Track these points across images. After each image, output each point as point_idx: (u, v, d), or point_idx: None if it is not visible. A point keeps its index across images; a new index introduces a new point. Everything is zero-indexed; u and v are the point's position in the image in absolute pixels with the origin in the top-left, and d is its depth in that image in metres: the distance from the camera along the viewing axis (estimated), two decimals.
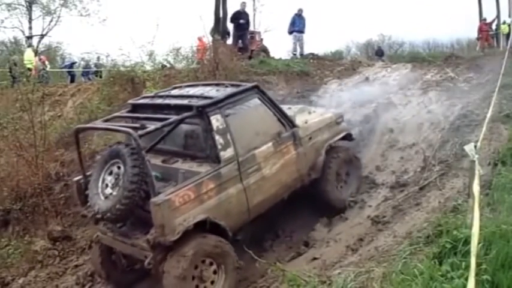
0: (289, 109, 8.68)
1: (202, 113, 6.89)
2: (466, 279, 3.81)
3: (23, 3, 33.74)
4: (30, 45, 24.65)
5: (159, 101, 7.77)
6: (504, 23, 23.57)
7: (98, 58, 23.03)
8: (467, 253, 4.37)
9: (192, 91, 7.87)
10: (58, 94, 16.96)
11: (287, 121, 8.00)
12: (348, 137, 9.20)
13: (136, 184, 6.28)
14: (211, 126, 6.90)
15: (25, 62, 18.59)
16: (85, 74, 24.66)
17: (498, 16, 24.73)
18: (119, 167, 6.62)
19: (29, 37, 29.49)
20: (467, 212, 5.44)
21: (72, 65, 25.58)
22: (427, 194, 7.85)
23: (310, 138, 8.31)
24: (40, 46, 33.32)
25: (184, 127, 7.24)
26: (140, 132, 6.35)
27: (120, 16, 63.17)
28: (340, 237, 7.59)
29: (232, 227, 6.89)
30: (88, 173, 7.35)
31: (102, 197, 6.64)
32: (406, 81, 13.41)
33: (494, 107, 9.43)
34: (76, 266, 9.09)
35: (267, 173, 7.45)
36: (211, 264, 6.61)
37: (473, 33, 25.41)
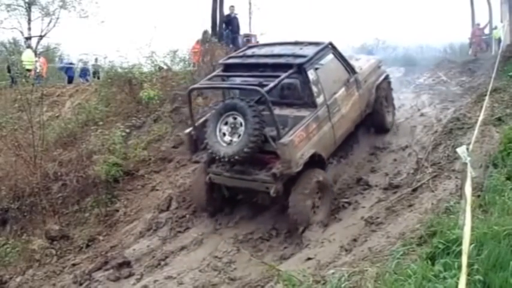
0: None
1: (300, 69, 8.39)
2: (459, 279, 3.89)
3: (22, 4, 33.50)
4: (29, 46, 24.45)
5: (252, 60, 9.19)
6: (495, 28, 23.65)
7: (96, 59, 22.93)
8: (459, 253, 4.43)
9: (277, 50, 9.32)
10: (56, 95, 17.00)
11: (351, 69, 9.75)
12: (386, 78, 11.03)
13: (259, 130, 7.79)
14: (308, 79, 8.49)
15: (24, 62, 18.53)
16: (83, 75, 24.59)
17: (490, 21, 24.82)
18: (234, 118, 8.12)
19: (28, 38, 29.23)
20: (459, 213, 5.51)
21: (69, 66, 25.46)
22: (419, 195, 7.95)
23: (365, 82, 10.15)
24: (39, 47, 33.11)
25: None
26: (266, 88, 7.76)
27: (119, 17, 62.70)
28: (334, 238, 7.64)
29: (326, 156, 8.70)
30: (196, 124, 8.94)
31: (224, 144, 8.10)
32: (399, 85, 13.52)
33: (486, 110, 9.55)
34: (73, 264, 9.07)
35: (343, 112, 9.21)
36: (317, 193, 8.21)
37: (466, 38, 25.49)
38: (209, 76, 9.72)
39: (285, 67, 8.41)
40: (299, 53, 8.84)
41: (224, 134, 8.15)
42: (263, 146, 7.95)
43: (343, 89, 9.35)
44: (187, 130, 9.16)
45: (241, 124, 7.98)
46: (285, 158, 7.73)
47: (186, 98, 9.35)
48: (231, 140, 8.05)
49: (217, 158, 8.20)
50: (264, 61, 8.86)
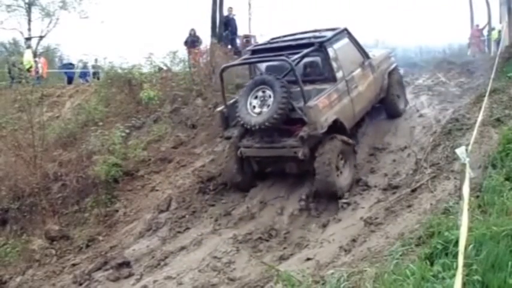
0: None
1: (321, 46, 9.40)
2: None
3: (22, 4, 33.41)
4: (29, 47, 24.40)
5: (276, 44, 10.15)
6: (494, 29, 23.65)
7: (96, 60, 22.96)
8: (458, 254, 4.42)
9: (299, 36, 10.32)
10: (56, 95, 17.04)
11: (365, 54, 10.72)
12: (397, 67, 11.95)
13: (286, 99, 8.69)
14: (328, 56, 9.47)
15: (24, 63, 18.54)
16: (83, 75, 24.61)
17: (489, 22, 24.83)
18: (263, 91, 9.04)
19: (28, 38, 29.12)
20: (458, 213, 5.49)
21: (69, 66, 25.48)
22: (418, 196, 7.93)
23: (378, 67, 11.05)
24: (39, 47, 33.04)
25: (303, 60, 9.46)
26: (292, 58, 8.72)
27: (119, 17, 62.68)
28: (334, 238, 7.65)
29: (348, 127, 9.41)
30: (228, 103, 9.79)
31: (254, 115, 8.96)
32: None
33: (484, 111, 9.53)
34: (73, 264, 9.09)
35: (361, 90, 10.09)
36: (339, 156, 8.90)
37: (465, 39, 25.51)
38: (240, 59, 10.98)
39: (307, 46, 9.36)
40: (319, 35, 9.90)
41: (254, 107, 9.04)
42: (290, 114, 8.85)
43: (359, 70, 10.30)
44: (219, 108, 10.10)
45: (270, 96, 8.90)
46: (311, 120, 8.58)
47: (218, 77, 10.13)
48: (260, 111, 8.92)
49: (248, 127, 9.03)
50: (287, 44, 9.84)
